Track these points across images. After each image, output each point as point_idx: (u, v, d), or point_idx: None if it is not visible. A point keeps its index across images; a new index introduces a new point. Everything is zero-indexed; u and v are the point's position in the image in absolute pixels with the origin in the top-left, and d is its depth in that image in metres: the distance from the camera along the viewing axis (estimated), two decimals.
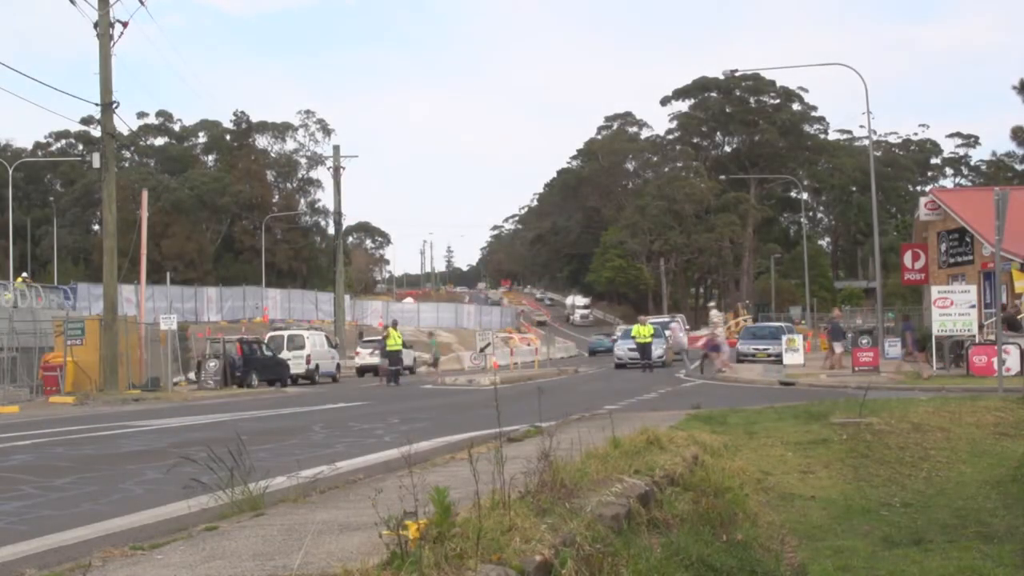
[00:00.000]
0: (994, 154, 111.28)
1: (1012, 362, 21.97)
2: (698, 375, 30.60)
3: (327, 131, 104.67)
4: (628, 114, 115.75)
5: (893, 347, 32.53)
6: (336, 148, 50.29)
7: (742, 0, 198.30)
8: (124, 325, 29.42)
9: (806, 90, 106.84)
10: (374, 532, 4.24)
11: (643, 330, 35.60)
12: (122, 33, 27.34)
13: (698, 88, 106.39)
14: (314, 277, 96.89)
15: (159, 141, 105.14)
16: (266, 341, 35.79)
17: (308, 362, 36.42)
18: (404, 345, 36.62)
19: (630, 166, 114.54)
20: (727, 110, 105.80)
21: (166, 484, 8.21)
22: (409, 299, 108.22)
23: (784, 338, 36.13)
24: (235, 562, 4.34)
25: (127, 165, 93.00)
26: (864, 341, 28.54)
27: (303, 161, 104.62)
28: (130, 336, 29.76)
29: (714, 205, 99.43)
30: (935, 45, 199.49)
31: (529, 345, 55.50)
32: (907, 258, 37.46)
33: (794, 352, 33.90)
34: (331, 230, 66.66)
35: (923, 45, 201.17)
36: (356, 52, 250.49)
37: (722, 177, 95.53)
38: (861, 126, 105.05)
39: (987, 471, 10.07)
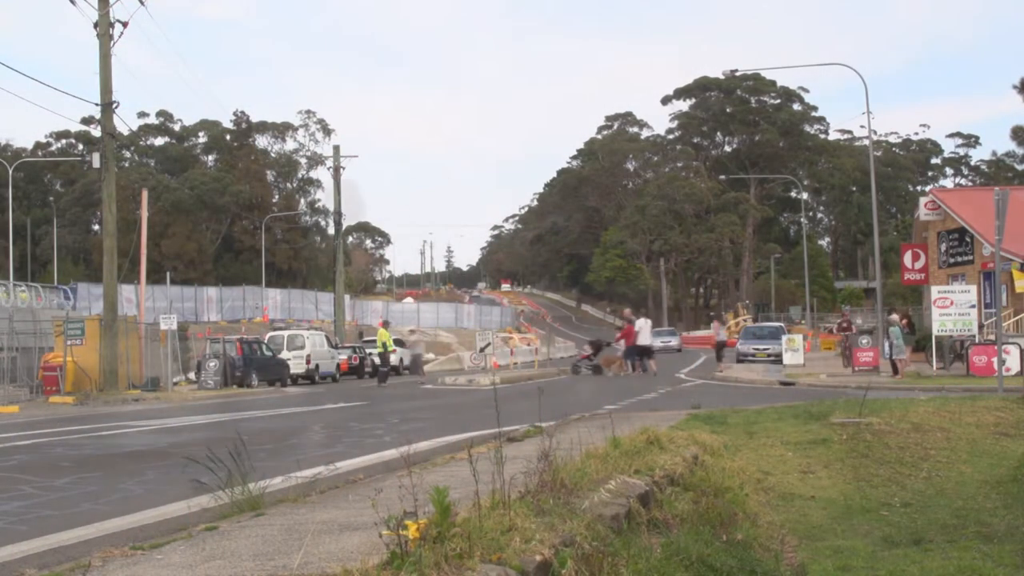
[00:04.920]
0: (994, 154, 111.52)
1: (1012, 362, 21.98)
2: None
3: (327, 131, 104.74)
4: (628, 114, 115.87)
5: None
6: (336, 148, 50.17)
7: (743, 0, 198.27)
8: (124, 325, 29.40)
9: (806, 90, 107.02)
10: (374, 532, 4.24)
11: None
12: (122, 33, 27.32)
13: (699, 88, 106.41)
14: (314, 277, 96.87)
15: (159, 141, 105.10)
16: (266, 341, 35.78)
17: (308, 362, 36.42)
18: (403, 345, 36.66)
19: (630, 166, 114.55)
20: (727, 110, 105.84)
21: (166, 484, 8.21)
22: (409, 299, 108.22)
23: (784, 338, 36.12)
24: (235, 562, 4.34)
25: (127, 165, 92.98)
26: (864, 341, 28.53)
27: (303, 161, 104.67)
28: (130, 336, 29.74)
29: (714, 205, 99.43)
30: (936, 45, 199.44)
31: (529, 345, 55.47)
32: (907, 258, 37.46)
33: (794, 352, 33.91)
34: (331, 230, 66.64)
35: (923, 45, 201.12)
36: (356, 51, 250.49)
37: (722, 177, 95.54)
38: (861, 126, 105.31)
39: (987, 471, 10.06)
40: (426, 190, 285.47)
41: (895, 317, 26.61)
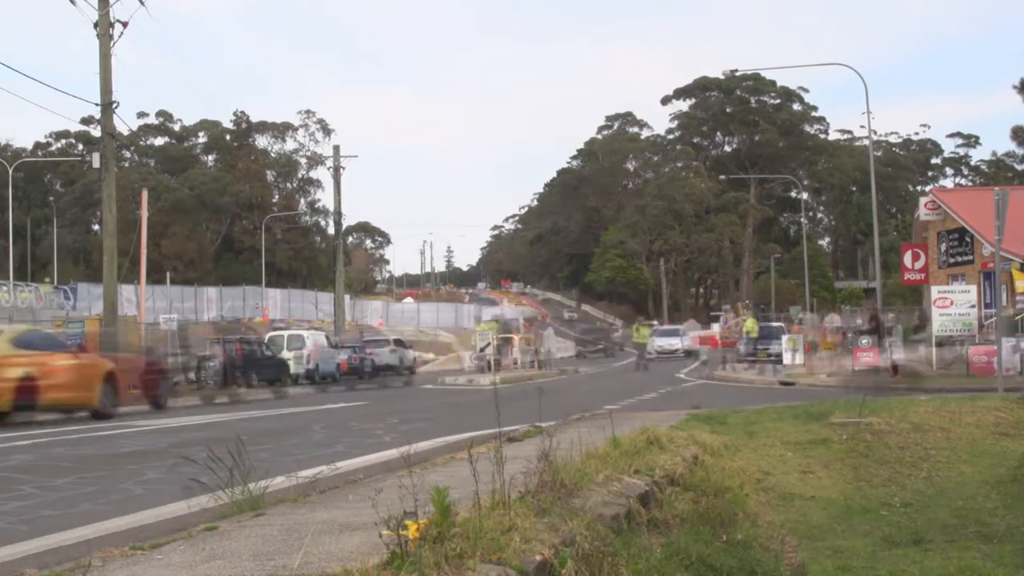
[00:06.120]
0: (994, 154, 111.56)
1: (1012, 362, 21.99)
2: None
3: (327, 131, 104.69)
4: (628, 114, 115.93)
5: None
6: (336, 148, 50.23)
7: (743, 0, 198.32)
8: (124, 325, 29.41)
9: (806, 90, 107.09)
10: (374, 532, 4.24)
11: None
12: (122, 33, 27.34)
13: (699, 88, 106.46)
14: (314, 277, 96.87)
15: (159, 141, 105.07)
16: (266, 341, 35.78)
17: (308, 362, 36.43)
18: (404, 344, 36.77)
19: (630, 166, 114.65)
20: (727, 110, 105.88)
21: (166, 484, 8.21)
22: (409, 299, 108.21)
23: (784, 338, 36.16)
24: (235, 562, 4.34)
25: (127, 165, 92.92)
26: (864, 341, 28.54)
27: (303, 161, 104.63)
28: (130, 336, 29.75)
29: (714, 205, 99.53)
30: (936, 44, 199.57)
31: (529, 345, 55.35)
32: (907, 258, 37.45)
33: (794, 352, 33.91)
34: (331, 230, 66.66)
35: (924, 44, 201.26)
36: (356, 51, 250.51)
37: (722, 177, 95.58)
38: (861, 126, 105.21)
39: (987, 471, 10.06)
40: (426, 190, 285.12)
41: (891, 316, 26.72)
